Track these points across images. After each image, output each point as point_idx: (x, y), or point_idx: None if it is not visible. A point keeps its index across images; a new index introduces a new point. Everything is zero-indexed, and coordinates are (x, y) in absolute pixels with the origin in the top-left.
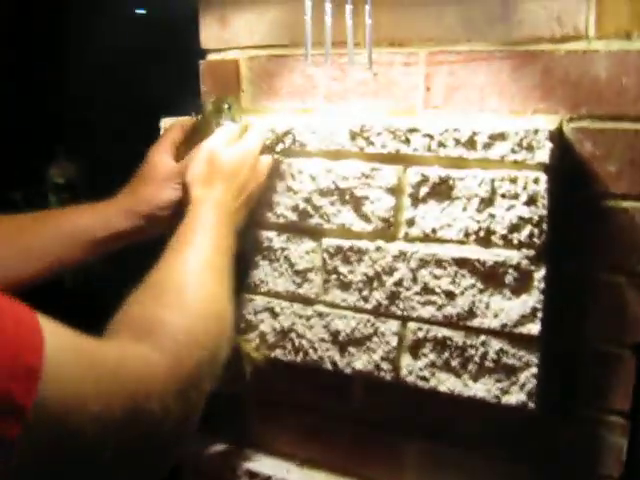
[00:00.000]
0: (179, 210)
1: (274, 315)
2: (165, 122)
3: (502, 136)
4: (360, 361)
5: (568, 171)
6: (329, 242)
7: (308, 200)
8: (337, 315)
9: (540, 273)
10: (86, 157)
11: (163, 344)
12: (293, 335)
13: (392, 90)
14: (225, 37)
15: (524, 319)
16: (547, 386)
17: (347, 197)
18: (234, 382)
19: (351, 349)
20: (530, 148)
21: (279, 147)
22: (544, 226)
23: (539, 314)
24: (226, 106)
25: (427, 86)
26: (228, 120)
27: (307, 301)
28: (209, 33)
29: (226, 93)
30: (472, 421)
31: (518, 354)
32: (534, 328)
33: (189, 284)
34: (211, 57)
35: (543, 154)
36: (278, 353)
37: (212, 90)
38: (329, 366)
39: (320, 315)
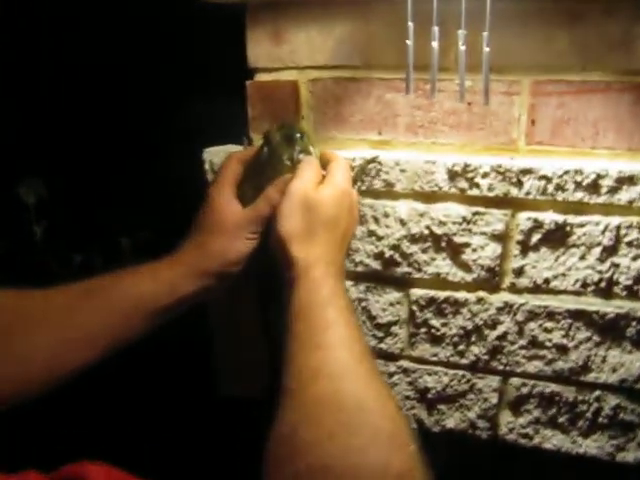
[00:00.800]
0: (249, 264)
1: None
2: (210, 153)
3: (631, 180)
4: (452, 419)
5: None
6: (419, 293)
7: (396, 247)
8: (426, 371)
9: None
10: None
11: None
12: None
13: (489, 122)
14: (280, 54)
15: None
16: None
17: (443, 244)
18: None
19: (441, 407)
20: None
21: (362, 184)
22: None
23: None
24: (298, 135)
25: (532, 119)
26: (302, 152)
27: (390, 357)
28: (259, 49)
29: (280, 119)
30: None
31: (638, 410)
32: None
33: (368, 395)
34: (261, 77)
35: None
36: None
37: (262, 115)
38: (414, 425)
39: (405, 371)
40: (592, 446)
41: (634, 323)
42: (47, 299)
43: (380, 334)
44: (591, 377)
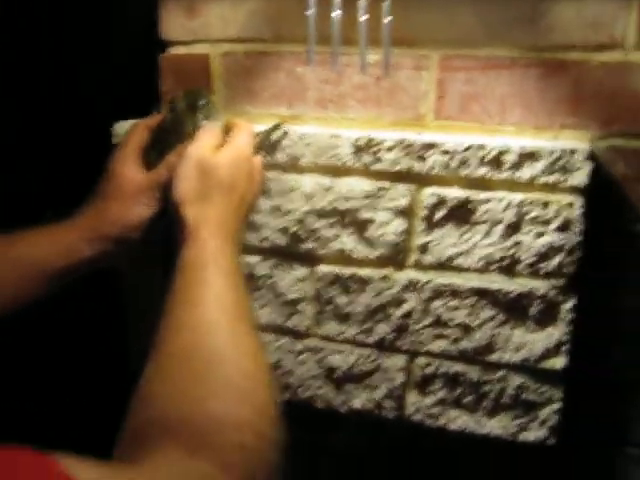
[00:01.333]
0: (154, 230)
1: None
2: (120, 127)
3: (533, 156)
4: (359, 399)
5: (598, 194)
6: (324, 269)
7: (301, 222)
8: (333, 350)
9: (568, 304)
10: None
11: (225, 455)
12: (280, 372)
13: (398, 97)
14: (193, 27)
15: (548, 353)
16: (569, 419)
17: (348, 219)
18: None
19: (348, 387)
20: (564, 170)
21: (267, 157)
22: (576, 254)
23: (564, 347)
24: (202, 102)
25: (439, 94)
26: (205, 119)
27: (297, 334)
28: (172, 22)
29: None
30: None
31: (540, 389)
32: (559, 362)
33: (225, 349)
34: (174, 50)
35: (580, 176)
36: None
37: (174, 89)
38: (322, 404)
39: (312, 350)
40: (496, 426)
41: (537, 302)
42: None
43: (287, 311)
44: (495, 357)
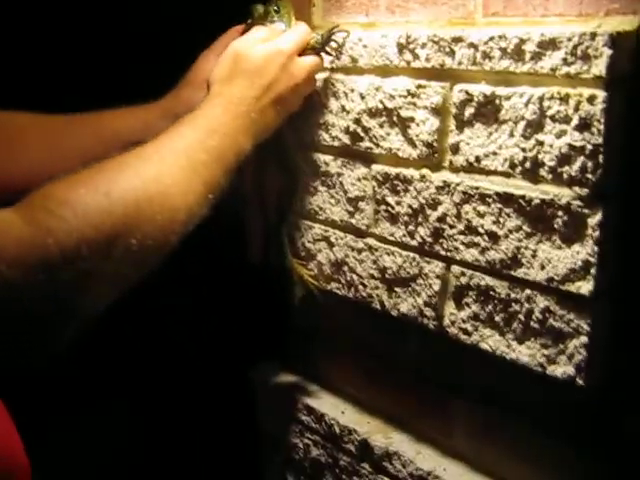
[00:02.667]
0: None
1: (330, 245)
2: None
3: (553, 43)
4: (405, 304)
5: None
6: (377, 168)
7: (358, 121)
8: (385, 250)
9: (595, 218)
10: None
11: (37, 216)
12: (346, 268)
13: None
14: None
15: (574, 275)
16: (605, 359)
17: (394, 118)
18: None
19: (397, 289)
20: (586, 58)
21: (330, 60)
22: (600, 158)
23: (593, 270)
24: (274, 8)
25: None
26: (274, 23)
27: (359, 232)
28: None
29: (301, 10)
30: (522, 389)
31: (567, 317)
32: (585, 287)
33: (132, 166)
34: None
35: (600, 64)
36: (333, 286)
37: None
38: (378, 306)
39: (370, 249)
40: (525, 353)
41: (560, 213)
42: (44, 120)
43: (351, 209)
44: (521, 272)
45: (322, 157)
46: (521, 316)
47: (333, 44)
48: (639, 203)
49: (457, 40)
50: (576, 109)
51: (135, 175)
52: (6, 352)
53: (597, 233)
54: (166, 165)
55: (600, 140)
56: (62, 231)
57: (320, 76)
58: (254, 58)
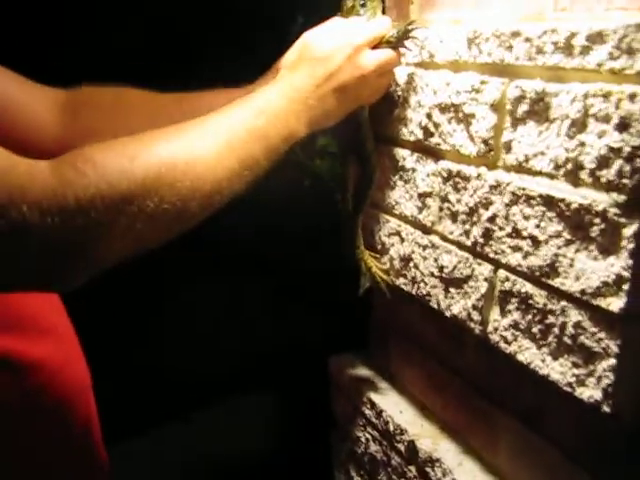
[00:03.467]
0: None
1: (401, 240)
2: None
3: (600, 36)
4: (458, 305)
5: None
6: (444, 165)
7: (429, 116)
8: (445, 249)
9: (631, 228)
10: None
11: (63, 169)
12: (411, 264)
13: None
14: None
15: (606, 289)
16: (636, 387)
17: (460, 115)
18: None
19: (452, 290)
20: (631, 52)
21: (409, 53)
22: (638, 162)
23: (625, 286)
24: (361, 2)
25: None
26: (362, 16)
27: (425, 229)
28: None
29: (401, 8)
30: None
31: (597, 335)
32: (616, 303)
33: (168, 137)
34: None
35: None
36: (401, 282)
37: (393, 6)
38: (435, 305)
39: (433, 246)
40: (557, 370)
41: (597, 220)
42: (151, 98)
43: (419, 204)
44: (558, 282)
45: (401, 152)
46: (556, 329)
47: (410, 39)
48: None
49: (515, 35)
50: (617, 107)
51: (166, 145)
52: (26, 281)
53: (632, 245)
54: (201, 138)
55: (638, 142)
56: (80, 184)
57: (404, 71)
58: (321, 47)
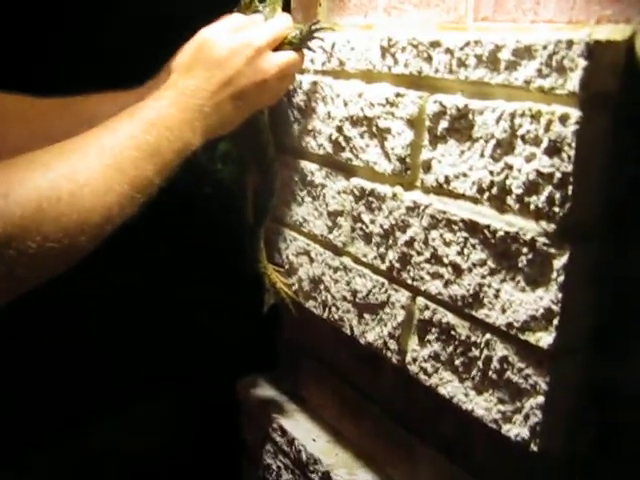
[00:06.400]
0: None
1: (311, 261)
2: None
3: (529, 51)
4: (373, 333)
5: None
6: (356, 182)
7: (340, 129)
8: (358, 272)
9: (561, 260)
10: None
11: None
12: (322, 287)
13: None
14: None
15: (535, 323)
16: (569, 426)
17: (374, 129)
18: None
19: (366, 316)
20: (562, 70)
21: (317, 60)
22: (569, 189)
23: (555, 320)
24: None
25: None
26: (256, 12)
27: (336, 250)
28: None
29: (308, 10)
30: (482, 446)
31: (525, 371)
32: (545, 338)
33: (45, 163)
34: None
35: (575, 78)
36: (310, 304)
37: (299, 7)
38: (348, 331)
39: (345, 269)
40: (481, 405)
41: (525, 249)
42: (29, 104)
43: (330, 224)
44: (482, 313)
45: (308, 165)
46: (480, 363)
47: (315, 41)
48: (619, 245)
49: (435, 45)
50: (547, 129)
51: (44, 173)
52: None
53: (562, 277)
54: (85, 162)
55: (570, 168)
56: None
57: (310, 78)
58: (218, 48)
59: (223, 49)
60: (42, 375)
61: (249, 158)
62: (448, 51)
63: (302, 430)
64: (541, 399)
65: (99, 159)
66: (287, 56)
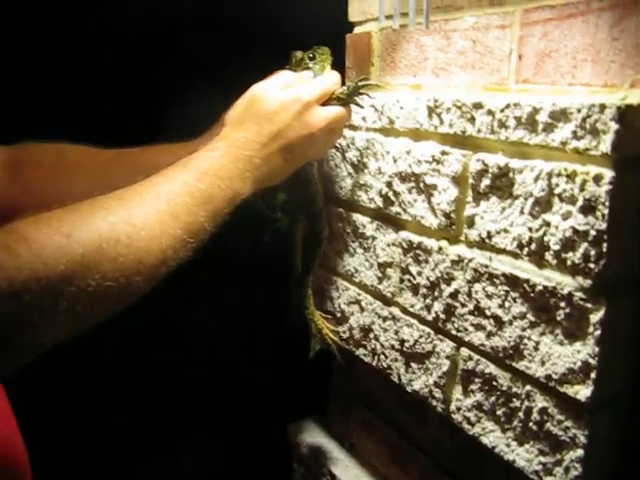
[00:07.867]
0: None
1: (361, 310)
2: None
3: (565, 114)
4: (419, 381)
5: None
6: (404, 235)
7: (390, 185)
8: (406, 322)
9: (598, 314)
10: None
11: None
12: (372, 335)
13: (486, 60)
14: (364, 8)
15: (572, 376)
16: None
17: (421, 185)
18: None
19: (413, 365)
20: (595, 132)
21: (368, 118)
22: (604, 246)
23: (593, 374)
24: (309, 55)
25: (519, 54)
26: (306, 69)
27: (385, 300)
28: (355, 4)
29: (361, 68)
30: None
31: (564, 423)
32: (583, 392)
33: (106, 207)
34: (356, 30)
35: (607, 140)
36: (360, 352)
37: (353, 66)
38: (396, 379)
39: (394, 318)
40: (522, 456)
41: (562, 304)
42: (88, 154)
43: (380, 275)
44: (523, 365)
45: (360, 218)
46: (521, 414)
47: (363, 97)
48: None
49: (477, 106)
50: (582, 189)
51: (105, 216)
52: None
53: (599, 331)
54: (142, 207)
55: (604, 226)
56: (13, 267)
57: (363, 135)
58: (268, 103)
59: (273, 104)
60: (106, 415)
61: (299, 208)
62: (489, 112)
63: (351, 476)
64: (580, 452)
65: (155, 205)
66: (334, 111)
